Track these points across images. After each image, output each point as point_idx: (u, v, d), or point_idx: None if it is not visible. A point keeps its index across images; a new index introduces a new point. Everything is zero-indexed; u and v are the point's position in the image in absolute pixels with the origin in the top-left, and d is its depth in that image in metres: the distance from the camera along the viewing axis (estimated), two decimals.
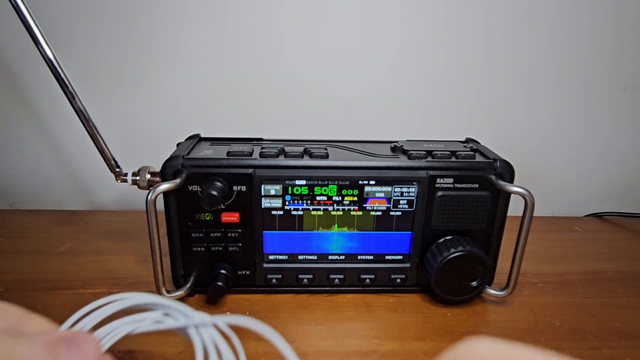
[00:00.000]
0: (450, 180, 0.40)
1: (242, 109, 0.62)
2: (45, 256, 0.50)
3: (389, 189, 0.41)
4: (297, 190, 0.40)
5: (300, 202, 0.41)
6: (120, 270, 0.47)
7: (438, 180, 0.40)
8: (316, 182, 0.40)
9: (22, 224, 0.58)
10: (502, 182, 0.40)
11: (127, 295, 0.24)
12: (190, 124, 0.60)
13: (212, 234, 0.41)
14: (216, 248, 0.41)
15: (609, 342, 0.38)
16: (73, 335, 0.24)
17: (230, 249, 0.42)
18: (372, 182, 0.40)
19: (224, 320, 0.23)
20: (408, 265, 0.43)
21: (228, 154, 0.40)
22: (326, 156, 0.41)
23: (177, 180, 0.38)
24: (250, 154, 0.40)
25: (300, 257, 0.43)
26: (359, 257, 0.43)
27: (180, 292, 0.41)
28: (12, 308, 0.22)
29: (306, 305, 0.42)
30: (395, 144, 0.45)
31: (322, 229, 0.42)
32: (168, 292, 0.41)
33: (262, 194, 0.40)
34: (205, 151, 0.41)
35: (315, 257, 0.43)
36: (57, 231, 0.56)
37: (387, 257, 0.43)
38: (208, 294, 0.40)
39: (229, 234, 0.41)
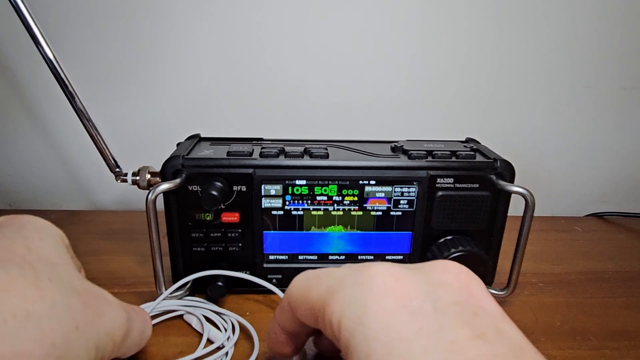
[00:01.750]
0: (451, 180, 0.40)
1: (242, 109, 0.62)
2: None
3: (389, 189, 0.41)
4: (297, 190, 0.40)
5: (300, 202, 0.41)
6: (120, 270, 0.47)
7: (438, 180, 0.40)
8: (316, 182, 0.40)
9: None
10: (502, 182, 0.40)
11: None
12: (190, 124, 0.60)
13: (212, 234, 0.41)
14: (216, 248, 0.41)
15: (609, 342, 0.38)
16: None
17: (230, 249, 0.42)
18: (373, 182, 0.40)
19: None
20: None
21: (228, 154, 0.40)
22: (326, 156, 0.41)
23: (177, 180, 0.38)
24: (250, 154, 0.40)
25: (300, 257, 0.43)
26: (359, 257, 0.43)
27: (180, 292, 0.41)
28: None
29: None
30: (396, 144, 0.45)
31: (323, 229, 0.42)
32: None
33: (262, 194, 0.40)
34: (205, 151, 0.41)
35: (316, 257, 0.43)
36: None
37: (387, 257, 0.43)
38: (208, 294, 0.40)
39: (229, 234, 0.41)
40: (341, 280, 0.23)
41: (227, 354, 0.35)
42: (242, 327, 0.38)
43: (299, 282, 0.26)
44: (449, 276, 0.22)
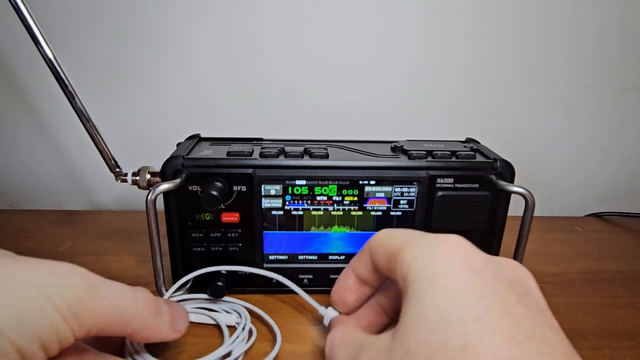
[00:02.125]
0: (451, 180, 0.40)
1: (242, 109, 0.62)
2: (45, 256, 0.49)
3: (389, 189, 0.41)
4: (297, 190, 0.40)
5: (300, 202, 0.41)
6: (120, 270, 0.47)
7: (438, 180, 0.40)
8: (316, 182, 0.40)
9: (22, 224, 0.58)
10: (502, 182, 0.40)
11: None
12: (190, 124, 0.60)
13: (212, 234, 0.41)
14: (216, 248, 0.41)
15: (609, 342, 0.38)
16: (170, 300, 0.33)
17: (230, 249, 0.42)
18: (373, 182, 0.40)
19: None
20: None
21: (228, 154, 0.40)
22: (326, 156, 0.41)
23: (177, 180, 0.38)
24: (250, 154, 0.40)
25: (300, 257, 0.43)
26: None
27: (180, 292, 0.41)
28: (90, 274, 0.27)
29: (306, 306, 0.42)
30: (395, 144, 0.45)
31: (323, 229, 0.42)
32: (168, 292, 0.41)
33: (262, 194, 0.40)
34: (205, 151, 0.41)
35: (316, 257, 0.43)
36: (57, 231, 0.56)
37: None
38: (208, 294, 0.40)
39: (229, 234, 0.41)
40: (422, 235, 0.27)
41: (251, 331, 0.37)
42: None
43: (384, 232, 0.30)
44: (509, 265, 0.25)
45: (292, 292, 0.43)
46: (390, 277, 0.28)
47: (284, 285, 0.42)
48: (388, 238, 0.28)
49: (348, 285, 0.32)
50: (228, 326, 0.37)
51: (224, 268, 0.40)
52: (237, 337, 0.35)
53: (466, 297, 0.22)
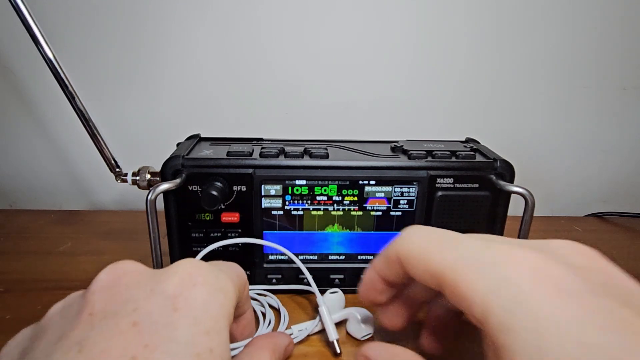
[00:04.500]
0: (451, 180, 0.40)
1: (242, 109, 0.62)
2: (45, 256, 0.50)
3: (389, 189, 0.41)
4: (297, 190, 0.40)
5: (300, 202, 0.41)
6: None
7: (438, 180, 0.40)
8: (316, 182, 0.40)
9: (22, 224, 0.58)
10: (502, 182, 0.40)
11: None
12: (190, 124, 0.60)
13: (212, 234, 0.41)
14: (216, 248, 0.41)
15: None
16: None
17: (230, 249, 0.42)
18: (372, 182, 0.40)
19: None
20: None
21: (228, 154, 0.40)
22: (326, 156, 0.41)
23: (177, 180, 0.38)
24: (250, 154, 0.40)
25: (300, 257, 0.43)
26: (359, 257, 0.43)
27: None
28: None
29: (306, 306, 0.42)
30: (395, 144, 0.45)
31: (322, 229, 0.42)
32: None
33: (262, 194, 0.40)
34: (205, 151, 0.41)
35: (316, 257, 0.43)
36: (57, 231, 0.56)
37: None
38: None
39: (229, 234, 0.41)
40: (476, 254, 0.23)
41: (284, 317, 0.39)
42: None
43: (416, 240, 0.25)
44: (584, 259, 0.23)
45: (292, 292, 0.43)
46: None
47: (284, 284, 0.42)
48: (424, 253, 0.24)
49: (376, 289, 0.29)
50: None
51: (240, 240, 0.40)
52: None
53: (590, 342, 0.18)
